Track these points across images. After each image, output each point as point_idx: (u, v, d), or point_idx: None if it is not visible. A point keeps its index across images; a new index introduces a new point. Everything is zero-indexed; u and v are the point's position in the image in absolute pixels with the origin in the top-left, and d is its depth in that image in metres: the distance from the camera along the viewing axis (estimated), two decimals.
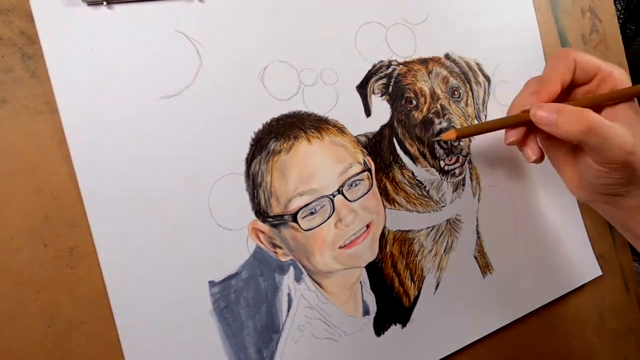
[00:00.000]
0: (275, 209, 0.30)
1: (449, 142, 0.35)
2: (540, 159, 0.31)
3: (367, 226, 0.32)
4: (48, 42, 0.25)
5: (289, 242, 0.30)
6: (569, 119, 0.27)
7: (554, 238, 0.40)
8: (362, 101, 0.33)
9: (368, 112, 0.34)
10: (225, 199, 0.28)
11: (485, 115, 0.38)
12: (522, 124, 0.30)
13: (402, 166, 0.35)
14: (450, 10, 0.38)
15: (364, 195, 0.32)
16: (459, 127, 0.36)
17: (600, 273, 0.42)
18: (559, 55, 0.31)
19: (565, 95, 0.33)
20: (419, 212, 0.35)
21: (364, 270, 0.32)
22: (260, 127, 0.30)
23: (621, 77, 0.31)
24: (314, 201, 0.30)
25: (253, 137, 0.30)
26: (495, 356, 0.37)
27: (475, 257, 0.37)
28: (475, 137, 0.37)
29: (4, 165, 0.25)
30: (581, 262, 0.42)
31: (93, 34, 0.26)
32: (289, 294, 0.30)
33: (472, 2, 0.39)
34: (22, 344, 0.24)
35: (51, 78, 0.25)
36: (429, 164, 0.35)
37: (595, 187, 0.30)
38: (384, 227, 0.33)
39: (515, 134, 0.31)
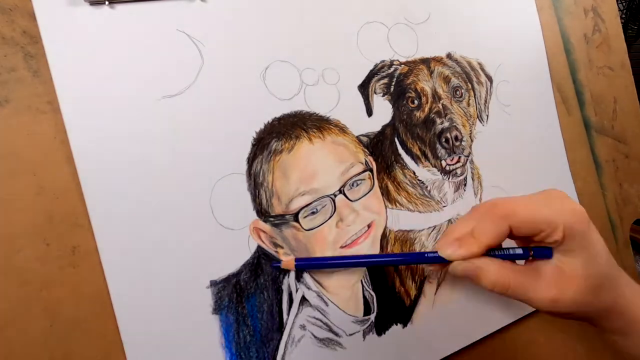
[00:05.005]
0: (277, 209, 0.30)
1: (451, 141, 0.35)
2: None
3: (369, 226, 0.32)
4: (50, 41, 0.25)
5: (290, 241, 0.30)
6: (486, 279, 0.26)
7: None
8: (364, 101, 0.33)
9: (370, 112, 0.34)
10: (226, 198, 0.28)
11: (487, 115, 0.38)
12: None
13: (404, 166, 0.35)
14: (452, 10, 0.37)
15: (365, 195, 0.32)
16: (460, 127, 0.36)
17: None
18: (487, 213, 0.27)
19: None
20: (420, 212, 0.35)
21: (365, 270, 0.32)
22: (262, 126, 0.30)
23: (571, 225, 0.26)
24: (315, 201, 0.30)
25: (255, 136, 0.30)
26: (497, 356, 0.37)
27: None
28: (477, 137, 0.37)
29: (6, 165, 0.25)
30: None
31: (95, 34, 0.26)
32: (290, 294, 0.30)
33: (474, 2, 0.39)
34: (25, 342, 0.24)
35: (53, 77, 0.25)
36: (431, 163, 0.35)
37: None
38: (385, 227, 0.33)
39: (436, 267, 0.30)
